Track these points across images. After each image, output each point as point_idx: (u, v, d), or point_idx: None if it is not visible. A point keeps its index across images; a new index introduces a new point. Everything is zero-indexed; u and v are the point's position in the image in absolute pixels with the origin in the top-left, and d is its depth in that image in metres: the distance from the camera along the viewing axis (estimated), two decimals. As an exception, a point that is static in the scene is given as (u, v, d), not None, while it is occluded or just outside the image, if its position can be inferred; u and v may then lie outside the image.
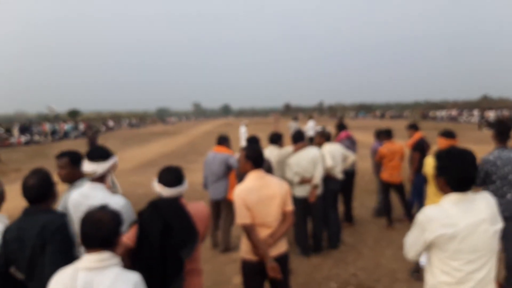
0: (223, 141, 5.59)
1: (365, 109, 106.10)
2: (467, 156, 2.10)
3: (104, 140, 30.04)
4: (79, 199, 2.71)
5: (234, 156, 5.46)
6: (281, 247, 3.05)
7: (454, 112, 51.61)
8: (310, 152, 5.18)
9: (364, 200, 8.32)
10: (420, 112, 64.87)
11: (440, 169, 2.14)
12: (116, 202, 2.59)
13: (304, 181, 5.16)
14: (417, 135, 6.67)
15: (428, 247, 2.12)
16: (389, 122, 45.49)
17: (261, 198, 2.95)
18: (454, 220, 2.02)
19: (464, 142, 19.92)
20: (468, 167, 2.08)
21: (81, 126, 39.83)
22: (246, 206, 2.92)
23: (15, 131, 30.61)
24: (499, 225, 2.13)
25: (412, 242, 2.17)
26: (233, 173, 5.37)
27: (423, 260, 2.25)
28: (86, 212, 2.00)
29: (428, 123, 44.20)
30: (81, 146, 24.82)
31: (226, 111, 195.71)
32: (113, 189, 3.04)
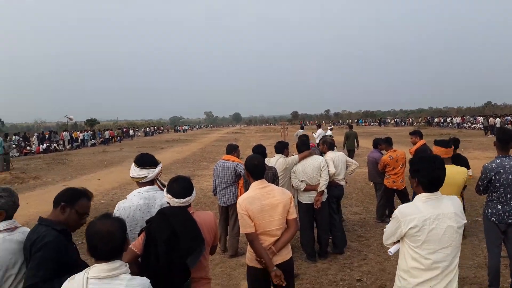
0: (231, 150, 5.62)
1: (369, 117, 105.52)
2: (436, 161, 2.41)
3: (119, 147, 30.32)
4: (146, 203, 2.78)
5: (242, 164, 5.46)
6: (285, 255, 3.00)
7: (459, 119, 50.98)
8: (315, 160, 5.14)
9: (369, 205, 8.22)
10: (425, 118, 64.25)
11: (413, 172, 2.44)
12: None
13: (309, 188, 5.12)
14: (420, 142, 6.61)
15: (402, 237, 2.40)
16: (392, 128, 45.19)
17: (263, 207, 2.91)
18: (423, 214, 2.30)
19: (471, 148, 19.66)
20: (436, 170, 2.37)
21: (105, 134, 40.20)
22: (249, 215, 2.89)
23: (34, 140, 31.04)
24: (462, 222, 2.41)
25: (390, 233, 2.46)
26: (241, 180, 5.36)
27: (391, 251, 2.50)
28: (91, 224, 1.95)
29: (432, 129, 43.76)
30: (97, 154, 25.08)
31: (236, 119, 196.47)
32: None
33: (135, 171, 2.92)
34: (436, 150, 4.10)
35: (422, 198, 2.37)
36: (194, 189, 2.65)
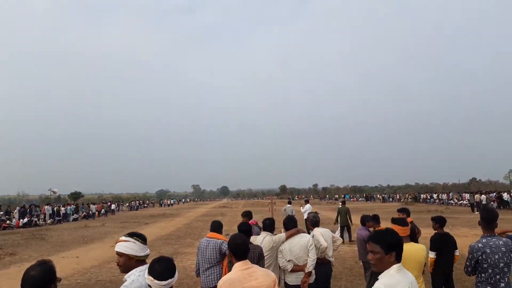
0: (216, 227, 5.47)
1: (357, 192, 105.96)
2: (394, 234, 2.59)
3: (101, 222, 29.45)
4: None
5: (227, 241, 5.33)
6: None
7: (445, 195, 51.38)
8: (302, 239, 5.04)
9: (359, 287, 7.93)
10: (411, 194, 64.70)
11: (390, 247, 2.50)
12: None
13: (297, 269, 4.96)
14: (407, 220, 6.61)
15: None
16: (379, 204, 45.12)
17: None
18: (403, 284, 2.41)
19: (458, 225, 19.61)
20: (402, 243, 2.57)
21: (92, 208, 39.32)
22: None
23: (15, 214, 30.08)
24: None
25: None
26: (226, 260, 5.18)
27: None
28: None
29: (420, 206, 43.89)
30: (78, 229, 24.27)
31: (224, 192, 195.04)
32: None
33: (138, 248, 2.81)
34: (394, 228, 4.11)
35: (395, 270, 2.47)
36: (177, 270, 2.57)
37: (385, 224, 7.66)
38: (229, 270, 4.57)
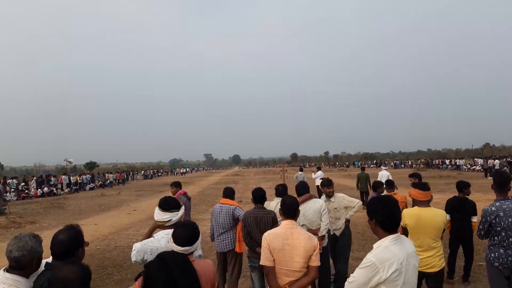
0: (228, 193, 5.55)
1: (368, 158, 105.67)
2: (390, 200, 2.45)
3: (117, 191, 30.10)
4: (170, 245, 2.69)
5: (240, 207, 5.42)
6: None
7: (461, 161, 50.72)
8: (315, 204, 5.09)
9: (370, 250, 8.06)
10: (424, 160, 64.29)
11: (370, 213, 2.47)
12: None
13: (312, 233, 5.03)
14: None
15: (378, 285, 2.29)
16: (391, 170, 45.01)
17: (284, 246, 3.06)
18: (399, 257, 2.28)
19: (472, 190, 19.42)
20: (390, 210, 2.39)
21: (110, 177, 40.16)
22: (270, 250, 3.08)
23: (33, 183, 30.87)
24: (418, 260, 2.49)
25: (362, 283, 2.30)
26: (239, 225, 5.28)
27: None
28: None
29: (431, 171, 43.74)
30: (95, 197, 24.88)
31: (236, 161, 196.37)
32: None
33: (160, 215, 3.02)
34: (415, 193, 4.08)
35: (390, 241, 2.36)
36: (200, 237, 2.61)
37: (401, 190, 7.68)
38: (244, 234, 4.69)
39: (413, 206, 4.26)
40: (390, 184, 7.02)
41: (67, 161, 50.84)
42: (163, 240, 2.87)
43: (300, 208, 5.06)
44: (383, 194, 7.19)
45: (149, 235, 3.43)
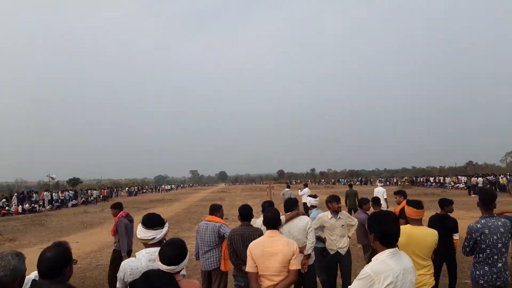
0: (215, 210, 5.48)
1: (354, 176, 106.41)
2: (388, 216, 2.54)
3: (100, 208, 29.53)
4: (155, 266, 2.63)
5: (226, 225, 5.34)
6: None
7: (444, 178, 51.48)
8: (301, 221, 5.05)
9: (357, 268, 7.99)
10: (409, 178, 65.04)
11: (369, 227, 2.54)
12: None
13: None
14: (404, 203, 6.60)
15: None
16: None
17: (264, 253, 3.44)
18: (395, 270, 2.34)
19: (455, 208, 19.65)
20: (389, 225, 2.46)
21: (94, 193, 39.39)
22: (252, 258, 3.48)
23: (14, 200, 30.11)
24: (416, 276, 2.57)
25: None
26: (225, 242, 5.20)
27: None
28: None
29: (416, 189, 44.19)
30: (77, 214, 24.36)
31: (222, 177, 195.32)
32: None
33: (143, 233, 2.92)
34: (408, 210, 4.04)
35: (387, 255, 2.42)
36: (187, 256, 2.54)
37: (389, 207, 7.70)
38: (229, 252, 4.62)
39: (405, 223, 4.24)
40: (376, 201, 7.08)
41: (50, 177, 49.82)
42: (143, 259, 2.78)
43: (286, 225, 5.07)
44: (374, 210, 7.21)
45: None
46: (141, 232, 2.95)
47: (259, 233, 4.50)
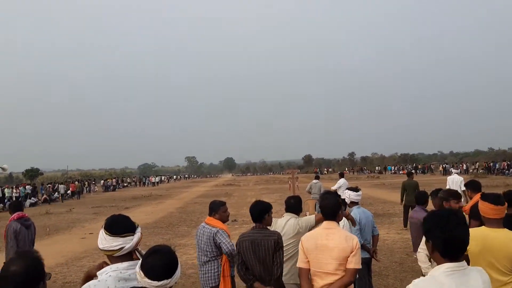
0: (213, 209, 5.48)
1: (409, 161, 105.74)
2: (452, 216, 2.35)
3: (68, 207, 30.06)
4: (121, 286, 2.63)
5: (225, 231, 5.32)
6: None
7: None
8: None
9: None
10: (483, 164, 64.18)
11: (426, 233, 2.43)
12: None
13: None
14: (477, 197, 6.48)
15: None
16: (439, 178, 45.00)
17: (317, 246, 3.77)
18: None
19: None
20: (453, 228, 2.29)
21: (61, 188, 39.97)
22: (304, 251, 3.85)
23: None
24: None
25: None
26: (224, 256, 5.19)
27: None
28: None
29: (494, 178, 43.50)
30: (37, 217, 24.82)
31: (229, 166, 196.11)
32: None
33: (107, 241, 2.75)
34: (483, 207, 3.94)
35: (444, 270, 2.28)
36: (179, 266, 2.53)
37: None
38: (237, 265, 4.66)
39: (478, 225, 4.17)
40: (452, 194, 6.82)
41: (1, 168, 50.86)
42: (110, 280, 2.70)
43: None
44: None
45: (88, 276, 3.01)
46: (104, 240, 2.78)
47: (275, 239, 4.50)
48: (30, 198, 36.12)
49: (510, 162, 57.50)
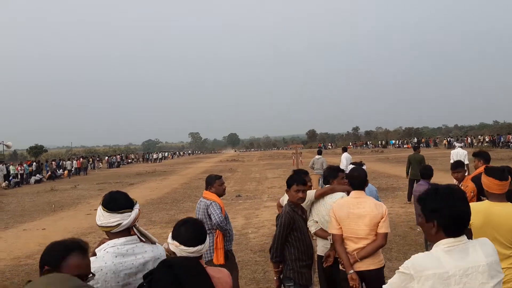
0: (209, 183, 5.64)
1: (413, 135, 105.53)
2: (456, 193, 2.29)
3: (73, 184, 30.22)
4: (123, 262, 2.69)
5: (218, 203, 5.42)
6: (369, 264, 4.13)
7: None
8: (331, 198, 4.99)
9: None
10: (489, 137, 63.99)
11: (430, 213, 2.28)
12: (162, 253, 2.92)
13: (320, 234, 5.00)
14: (481, 169, 6.44)
15: None
16: (444, 151, 44.91)
17: (349, 215, 4.13)
18: (445, 270, 2.16)
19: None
20: (459, 204, 2.24)
21: (67, 165, 40.19)
22: (336, 219, 4.20)
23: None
24: (500, 276, 2.27)
25: None
26: (218, 232, 5.27)
27: None
28: None
29: (499, 152, 43.38)
30: (42, 193, 24.99)
31: (233, 142, 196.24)
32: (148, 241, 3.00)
33: (104, 218, 2.78)
34: (486, 181, 3.92)
35: (443, 247, 2.23)
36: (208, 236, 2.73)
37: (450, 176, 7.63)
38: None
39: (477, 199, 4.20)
40: (459, 164, 6.87)
41: (4, 145, 50.97)
42: (108, 256, 2.67)
43: (317, 202, 5.09)
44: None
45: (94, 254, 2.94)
46: (101, 217, 2.81)
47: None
48: (35, 175, 36.33)
49: (515, 135, 57.19)
